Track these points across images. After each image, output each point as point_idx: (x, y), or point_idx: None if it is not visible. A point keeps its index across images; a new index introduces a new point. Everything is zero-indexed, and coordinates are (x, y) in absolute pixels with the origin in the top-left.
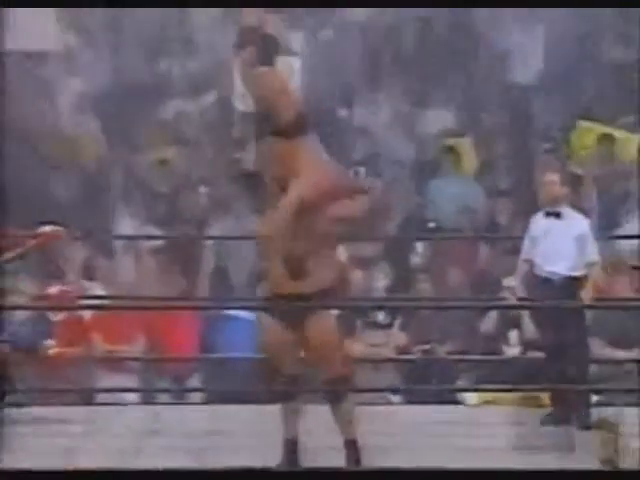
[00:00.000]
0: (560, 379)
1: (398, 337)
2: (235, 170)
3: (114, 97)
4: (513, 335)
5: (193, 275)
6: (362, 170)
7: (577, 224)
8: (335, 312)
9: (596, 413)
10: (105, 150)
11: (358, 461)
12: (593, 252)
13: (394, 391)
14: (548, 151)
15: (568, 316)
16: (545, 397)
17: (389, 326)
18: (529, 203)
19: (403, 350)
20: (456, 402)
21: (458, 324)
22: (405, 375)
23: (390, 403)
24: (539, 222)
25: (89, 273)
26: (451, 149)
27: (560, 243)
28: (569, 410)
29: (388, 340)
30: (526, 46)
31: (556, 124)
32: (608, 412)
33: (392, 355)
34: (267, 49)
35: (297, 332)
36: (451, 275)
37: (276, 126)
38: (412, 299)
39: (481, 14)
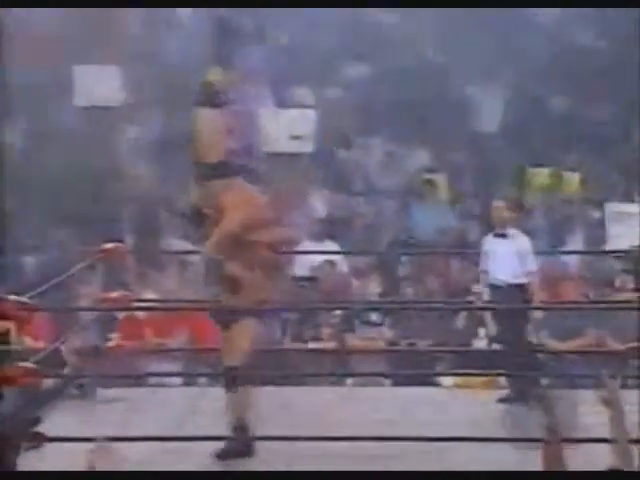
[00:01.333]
0: (513, 366)
1: (388, 333)
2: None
3: (163, 143)
4: (481, 331)
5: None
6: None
7: (519, 242)
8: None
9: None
10: (155, 186)
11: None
12: (531, 264)
13: (385, 376)
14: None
15: (515, 315)
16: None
17: (381, 324)
18: (492, 225)
19: (392, 343)
20: (434, 384)
21: (436, 322)
22: (393, 363)
23: (382, 385)
24: (490, 241)
25: (142, 281)
26: (429, 182)
27: (505, 257)
28: (522, 391)
29: (380, 335)
30: (489, 101)
31: (513, 164)
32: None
33: (383, 347)
34: (213, 96)
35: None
36: (429, 283)
37: (207, 167)
38: (399, 302)
39: (455, 71)
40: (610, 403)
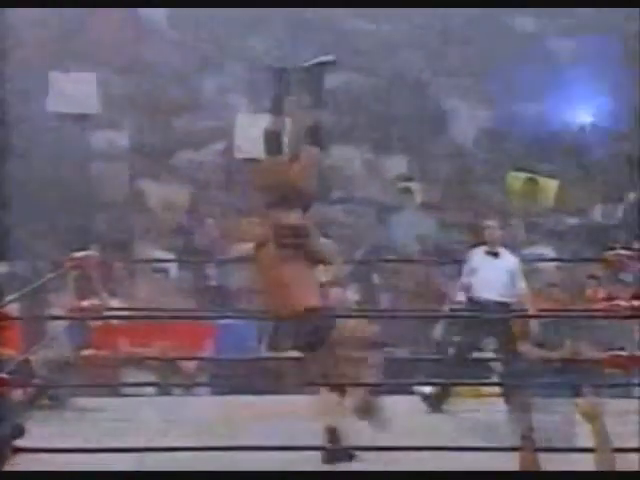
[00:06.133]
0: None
1: None
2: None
3: (137, 150)
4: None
5: (199, 291)
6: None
7: (509, 262)
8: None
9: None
10: (130, 191)
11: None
12: (521, 285)
13: (362, 385)
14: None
15: (501, 329)
16: (484, 389)
17: None
18: (470, 234)
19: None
20: (412, 393)
21: (413, 330)
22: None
23: None
24: (480, 256)
25: (115, 290)
26: (407, 190)
27: (495, 276)
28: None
29: None
30: (467, 110)
31: (490, 173)
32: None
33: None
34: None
35: None
36: (406, 291)
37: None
38: (376, 310)
39: (433, 80)
40: (591, 415)
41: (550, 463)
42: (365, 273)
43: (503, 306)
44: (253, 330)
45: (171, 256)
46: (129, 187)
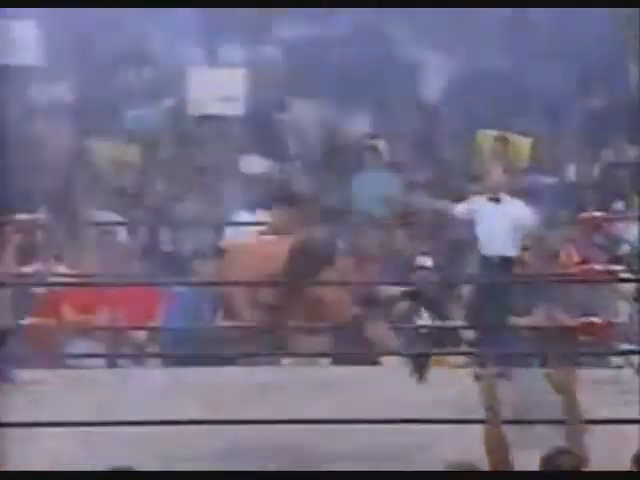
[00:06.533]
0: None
1: None
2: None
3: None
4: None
5: (147, 256)
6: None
7: (514, 209)
8: None
9: None
10: (75, 149)
11: None
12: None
13: (326, 355)
14: None
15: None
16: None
17: None
18: (440, 195)
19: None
20: (376, 363)
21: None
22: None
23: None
24: (480, 205)
25: (60, 256)
26: (372, 147)
27: (498, 227)
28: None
29: None
30: (435, 63)
31: (460, 130)
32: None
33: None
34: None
35: None
36: (371, 257)
37: None
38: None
39: (398, 34)
40: (562, 387)
41: (521, 435)
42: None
43: (508, 261)
44: (208, 298)
45: (120, 219)
46: (74, 145)
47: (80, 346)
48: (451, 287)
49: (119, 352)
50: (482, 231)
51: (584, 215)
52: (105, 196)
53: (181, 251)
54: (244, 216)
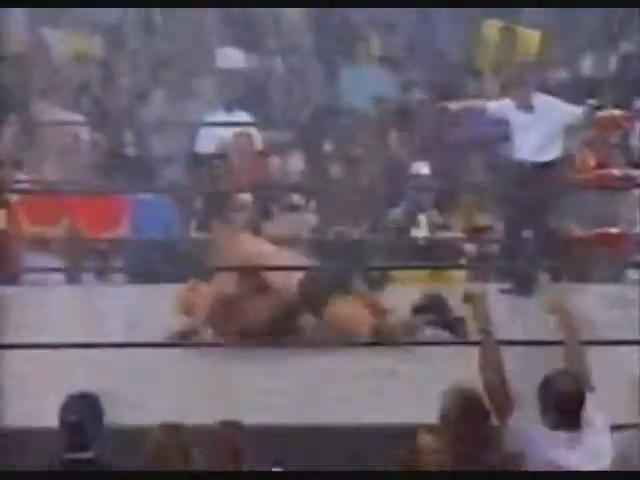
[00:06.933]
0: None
1: (312, 219)
2: None
3: None
4: (422, 219)
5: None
6: None
7: (547, 112)
8: None
9: None
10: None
11: None
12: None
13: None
14: None
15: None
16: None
17: (303, 208)
18: (439, 93)
19: (316, 231)
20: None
21: (370, 207)
22: (318, 255)
23: None
24: (508, 109)
25: (18, 160)
26: (362, 40)
27: (532, 128)
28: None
29: (302, 222)
30: None
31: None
32: None
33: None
34: None
35: None
36: (362, 160)
37: None
38: (325, 183)
39: None
40: (558, 308)
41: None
42: (313, 139)
43: (544, 168)
44: (176, 207)
45: (80, 118)
46: (29, 36)
47: (38, 260)
48: (452, 196)
49: (80, 266)
50: (517, 134)
51: (601, 114)
52: (65, 93)
53: (148, 156)
54: (220, 116)
